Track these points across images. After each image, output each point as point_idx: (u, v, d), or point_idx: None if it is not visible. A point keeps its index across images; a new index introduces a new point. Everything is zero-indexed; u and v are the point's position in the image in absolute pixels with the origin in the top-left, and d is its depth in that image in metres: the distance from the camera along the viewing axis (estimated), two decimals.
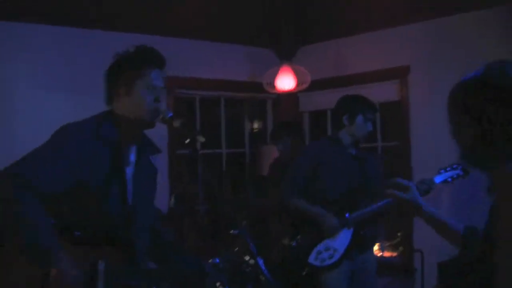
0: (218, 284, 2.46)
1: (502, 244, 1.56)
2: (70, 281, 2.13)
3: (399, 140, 5.34)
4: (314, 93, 5.93)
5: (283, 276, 4.02)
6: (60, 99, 4.59)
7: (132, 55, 2.45)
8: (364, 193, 3.84)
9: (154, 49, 2.49)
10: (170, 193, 4.97)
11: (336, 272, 3.78)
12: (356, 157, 3.97)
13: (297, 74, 5.75)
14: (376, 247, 4.18)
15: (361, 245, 3.84)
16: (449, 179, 3.63)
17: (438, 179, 3.63)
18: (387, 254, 5.45)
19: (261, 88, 5.84)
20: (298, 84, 5.75)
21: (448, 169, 3.64)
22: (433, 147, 4.70)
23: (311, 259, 3.77)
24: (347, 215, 3.77)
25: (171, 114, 2.47)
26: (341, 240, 3.78)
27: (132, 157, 2.48)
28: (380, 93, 5.38)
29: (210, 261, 2.57)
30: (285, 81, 5.76)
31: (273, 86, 5.79)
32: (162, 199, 4.30)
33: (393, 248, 5.47)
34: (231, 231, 2.60)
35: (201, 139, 2.41)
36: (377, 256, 4.31)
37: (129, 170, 2.45)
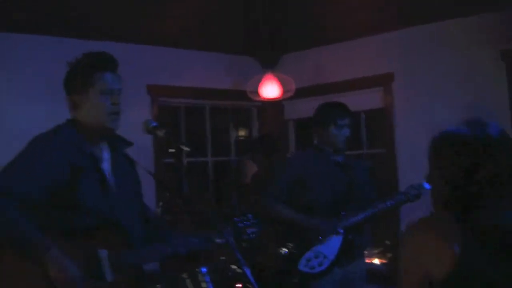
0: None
1: None
2: (70, 276, 2.20)
3: (385, 147, 5.35)
4: (299, 100, 5.92)
5: (273, 284, 4.00)
6: (41, 109, 4.50)
7: (82, 63, 2.48)
8: (350, 200, 3.82)
9: (103, 53, 2.52)
10: (157, 202, 4.92)
11: (326, 280, 3.75)
12: (341, 164, 3.96)
13: (282, 82, 5.76)
14: (365, 255, 4.17)
15: (351, 252, 3.81)
16: None
17: (427, 184, 3.63)
18: (375, 261, 5.44)
19: (246, 96, 5.85)
20: (283, 92, 5.75)
21: None
22: (419, 153, 4.68)
23: (301, 266, 3.74)
24: (343, 213, 3.75)
25: (155, 124, 2.47)
26: (331, 247, 3.75)
27: (106, 154, 2.55)
28: (365, 100, 5.39)
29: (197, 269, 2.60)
30: (269, 89, 5.77)
31: (257, 94, 5.80)
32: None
33: (381, 255, 5.46)
34: (217, 240, 2.61)
35: (186, 148, 2.41)
36: (367, 263, 4.29)
37: (106, 166, 2.52)
